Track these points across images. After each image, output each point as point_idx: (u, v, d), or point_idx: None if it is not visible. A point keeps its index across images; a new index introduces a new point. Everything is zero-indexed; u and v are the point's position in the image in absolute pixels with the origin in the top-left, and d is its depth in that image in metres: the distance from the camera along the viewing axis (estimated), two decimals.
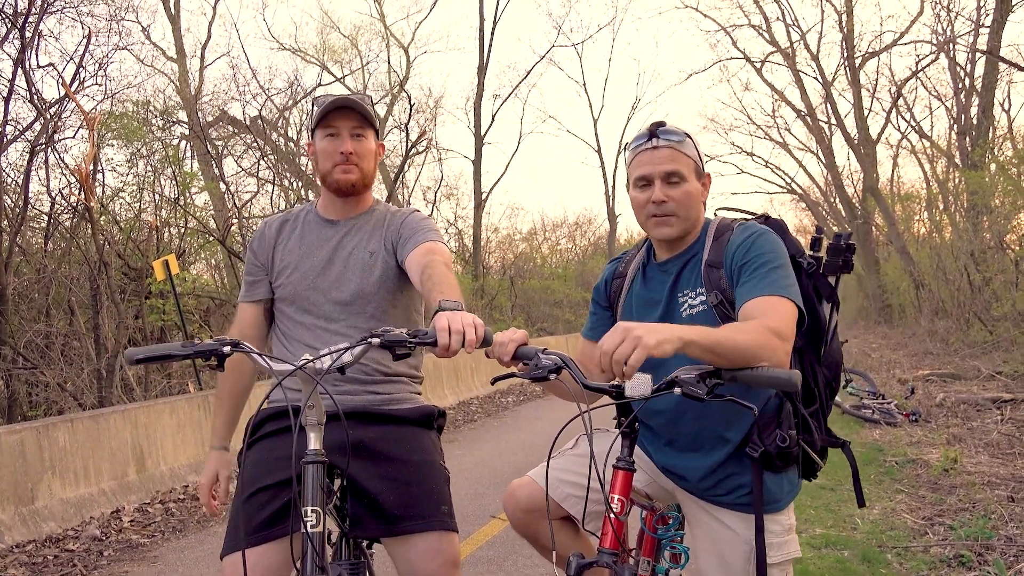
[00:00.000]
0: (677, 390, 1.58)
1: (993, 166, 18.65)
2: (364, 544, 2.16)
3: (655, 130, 1.94)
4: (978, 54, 19.68)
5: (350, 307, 2.19)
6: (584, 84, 41.82)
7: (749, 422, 1.90)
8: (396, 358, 1.69)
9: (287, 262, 2.26)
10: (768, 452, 1.85)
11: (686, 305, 1.95)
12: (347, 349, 1.71)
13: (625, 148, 2.01)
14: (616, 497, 1.69)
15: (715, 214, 2.09)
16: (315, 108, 2.23)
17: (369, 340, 1.68)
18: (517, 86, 27.12)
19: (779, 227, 1.99)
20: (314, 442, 1.73)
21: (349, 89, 26.26)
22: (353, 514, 2.04)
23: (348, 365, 1.72)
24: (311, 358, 1.71)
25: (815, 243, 2.02)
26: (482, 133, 23.76)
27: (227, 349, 1.72)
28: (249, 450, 2.14)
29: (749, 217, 2.06)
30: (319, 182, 2.29)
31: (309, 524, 1.68)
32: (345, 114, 2.18)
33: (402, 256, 2.17)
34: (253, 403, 2.31)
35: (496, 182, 33.55)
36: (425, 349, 1.70)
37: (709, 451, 1.96)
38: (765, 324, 1.70)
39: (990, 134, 19.99)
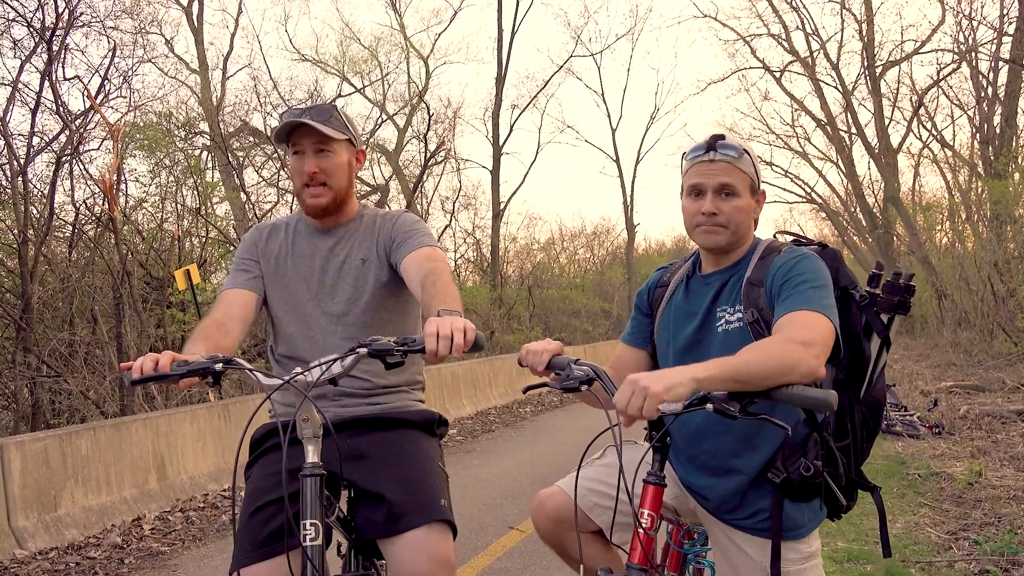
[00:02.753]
0: (709, 406, 1.56)
1: (1017, 175, 18.43)
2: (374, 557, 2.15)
3: (714, 143, 1.91)
4: (1001, 62, 19.50)
5: (346, 317, 2.17)
6: (602, 94, 42.01)
7: (773, 446, 1.86)
8: (388, 367, 1.67)
9: (280, 274, 2.23)
10: (791, 479, 1.82)
11: (723, 320, 1.92)
12: (336, 360, 1.70)
13: (683, 157, 2.00)
14: (646, 512, 1.67)
15: (775, 237, 2.06)
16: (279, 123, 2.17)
17: (357, 350, 1.67)
18: (535, 96, 27.11)
19: (833, 256, 1.96)
20: (312, 455, 1.72)
21: (369, 100, 26.47)
22: (358, 520, 2.03)
23: (339, 376, 1.71)
24: (301, 371, 1.71)
25: (873, 279, 1.98)
26: (500, 143, 23.83)
27: (219, 367, 1.71)
28: (253, 465, 2.14)
29: (804, 242, 2.03)
30: (296, 198, 2.25)
31: (308, 537, 1.66)
32: (306, 130, 2.10)
33: (397, 259, 2.14)
34: (265, 416, 2.29)
35: (514, 192, 33.55)
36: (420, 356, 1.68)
37: (729, 474, 1.93)
38: (787, 337, 1.67)
39: (1013, 143, 19.77)
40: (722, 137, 1.93)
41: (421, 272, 2.01)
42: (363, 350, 1.66)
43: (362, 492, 2.04)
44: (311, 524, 1.67)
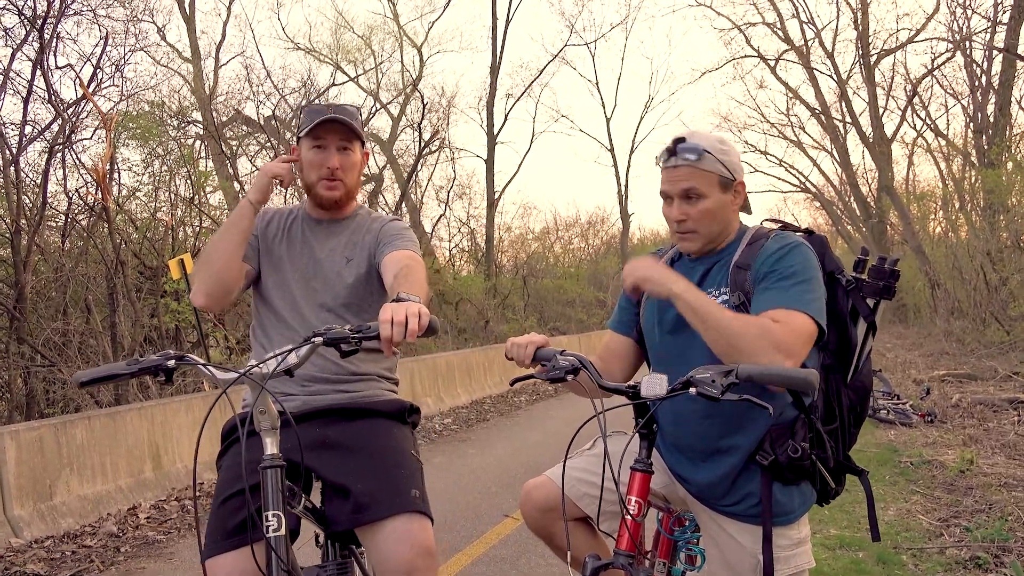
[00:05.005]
0: (692, 390, 1.57)
1: (1010, 164, 18.49)
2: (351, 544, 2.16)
3: (674, 148, 1.93)
4: (995, 52, 19.51)
5: (325, 309, 2.21)
6: (597, 83, 41.82)
7: (759, 430, 1.87)
8: (343, 355, 1.68)
9: (274, 257, 2.28)
10: (779, 462, 1.83)
11: None
12: (291, 351, 1.70)
13: (655, 160, 2.02)
14: (633, 499, 1.68)
15: (762, 224, 2.07)
16: (304, 116, 2.25)
17: (312, 340, 1.67)
18: (530, 85, 27.07)
19: (820, 243, 1.97)
20: (270, 447, 1.73)
21: (363, 89, 26.35)
22: (327, 510, 2.04)
23: (295, 367, 1.71)
24: (256, 363, 1.71)
25: (859, 264, 1.99)
26: (495, 132, 23.79)
27: (171, 363, 1.72)
28: (223, 456, 2.17)
29: (791, 230, 2.03)
30: (304, 189, 2.31)
31: (271, 528, 1.66)
32: (333, 127, 2.19)
33: (379, 259, 2.19)
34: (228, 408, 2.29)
35: (509, 181, 33.40)
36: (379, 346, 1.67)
37: (716, 458, 1.94)
38: (771, 331, 1.69)
39: (1007, 132, 19.80)
40: (683, 140, 1.93)
41: (396, 267, 2.05)
42: (318, 339, 1.67)
43: (330, 483, 2.05)
44: (273, 515, 1.67)
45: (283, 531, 1.68)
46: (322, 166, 2.21)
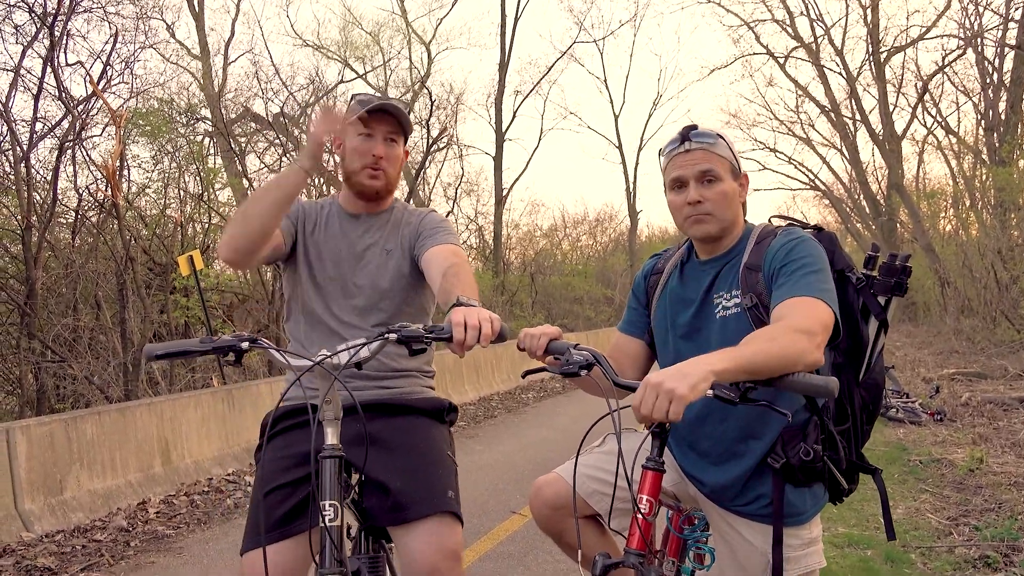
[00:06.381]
0: (709, 392, 1.54)
1: (1021, 162, 18.39)
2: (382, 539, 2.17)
3: (687, 133, 1.93)
4: (1007, 48, 19.38)
5: (365, 303, 2.21)
6: (605, 80, 41.64)
7: (774, 432, 1.86)
8: (412, 353, 1.69)
9: (310, 245, 2.27)
10: (790, 464, 1.82)
11: (720, 306, 1.92)
12: (364, 344, 1.72)
13: (660, 153, 2.00)
14: (645, 498, 1.66)
15: (770, 221, 2.05)
16: (354, 103, 2.20)
17: (386, 336, 1.68)
18: (538, 82, 27.00)
19: (830, 240, 1.95)
20: (331, 437, 1.75)
21: (371, 86, 26.38)
22: (366, 505, 2.05)
23: (365, 361, 1.73)
24: (328, 354, 1.72)
25: (869, 261, 1.97)
26: (503, 129, 23.77)
27: (245, 345, 1.73)
28: (266, 447, 2.16)
29: (799, 226, 2.01)
30: (342, 178, 2.27)
31: (327, 518, 1.68)
32: (382, 118, 2.17)
33: (419, 251, 2.18)
34: (269, 400, 2.31)
35: (517, 178, 33.22)
36: (438, 345, 1.70)
37: (729, 460, 1.93)
38: (789, 325, 1.66)
39: (1018, 130, 19.67)
40: (695, 127, 1.93)
41: (444, 264, 2.03)
42: (392, 335, 1.67)
43: (369, 478, 2.06)
44: (330, 505, 1.69)
45: (339, 520, 1.70)
46: (367, 154, 2.18)
